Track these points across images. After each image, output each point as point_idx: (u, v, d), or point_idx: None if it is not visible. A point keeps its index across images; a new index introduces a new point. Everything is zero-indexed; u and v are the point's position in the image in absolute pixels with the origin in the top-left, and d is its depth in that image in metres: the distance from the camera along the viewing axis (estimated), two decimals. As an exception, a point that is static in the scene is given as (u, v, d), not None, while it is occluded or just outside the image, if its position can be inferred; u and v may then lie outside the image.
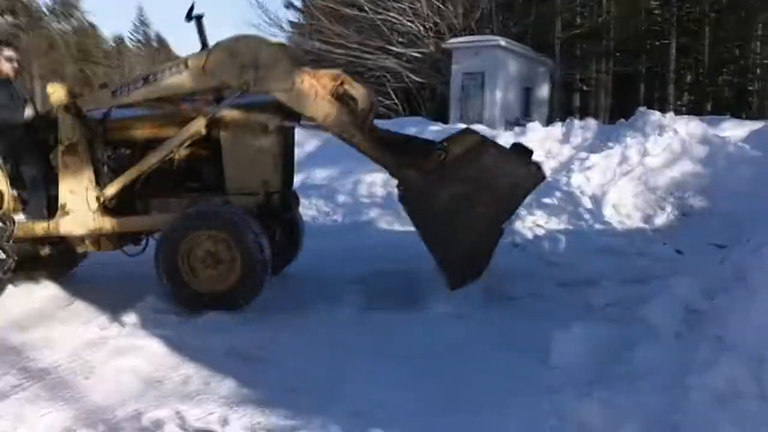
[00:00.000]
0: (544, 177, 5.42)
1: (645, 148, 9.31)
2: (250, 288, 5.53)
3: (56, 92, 5.81)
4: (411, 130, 16.93)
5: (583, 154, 9.65)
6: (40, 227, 5.93)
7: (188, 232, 5.57)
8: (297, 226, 6.83)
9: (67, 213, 5.88)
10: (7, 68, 6.19)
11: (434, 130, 13.39)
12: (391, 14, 23.34)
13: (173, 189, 6.14)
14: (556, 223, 8.36)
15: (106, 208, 5.92)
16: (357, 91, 5.48)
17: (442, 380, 4.03)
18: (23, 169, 6.03)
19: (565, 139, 10.64)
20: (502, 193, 5.15)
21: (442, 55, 22.68)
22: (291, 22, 34.25)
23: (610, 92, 29.58)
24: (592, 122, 11.03)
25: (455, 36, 22.39)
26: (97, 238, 6.06)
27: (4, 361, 4.59)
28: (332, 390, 3.96)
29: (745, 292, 3.58)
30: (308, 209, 10.35)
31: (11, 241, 5.65)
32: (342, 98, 5.42)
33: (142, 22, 74.36)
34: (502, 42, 19.86)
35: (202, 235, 5.56)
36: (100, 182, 5.94)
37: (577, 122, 11.09)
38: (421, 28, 23.75)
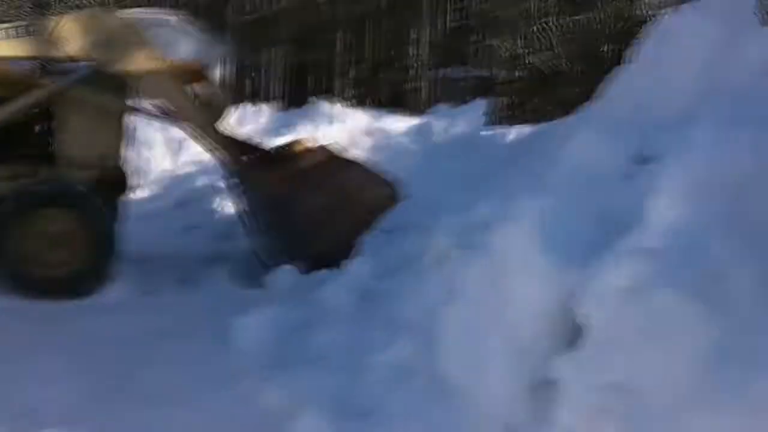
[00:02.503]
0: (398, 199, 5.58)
1: (316, 137, 9.56)
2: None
3: None
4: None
5: (256, 140, 9.65)
6: None
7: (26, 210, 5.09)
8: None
9: None
10: None
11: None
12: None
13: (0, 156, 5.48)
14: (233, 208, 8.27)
15: None
16: (212, 87, 5.66)
17: (110, 373, 3.74)
18: None
19: (239, 123, 10.56)
20: (358, 209, 5.35)
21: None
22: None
23: (283, 80, 30.19)
24: (265, 108, 11.09)
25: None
26: None
27: None
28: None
29: (414, 275, 3.80)
30: None
31: None
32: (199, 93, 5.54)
33: None
34: (173, 20, 19.21)
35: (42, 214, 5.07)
36: None
37: (250, 107, 11.09)
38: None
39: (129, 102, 5.79)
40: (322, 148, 5.87)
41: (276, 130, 10.00)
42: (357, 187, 5.57)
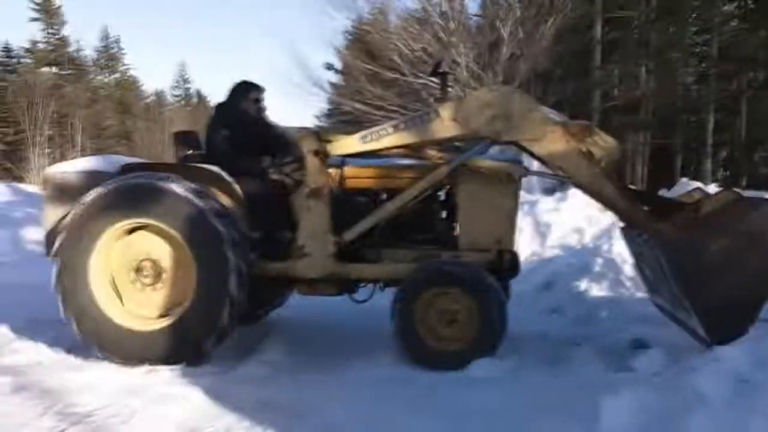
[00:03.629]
0: None
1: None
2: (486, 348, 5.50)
3: (307, 138, 5.90)
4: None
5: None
6: (274, 268, 5.98)
7: (430, 287, 5.60)
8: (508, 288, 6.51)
9: (304, 255, 5.91)
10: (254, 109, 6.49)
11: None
12: (431, 79, 23.68)
13: (403, 240, 6.16)
14: (597, 290, 8.26)
15: (342, 253, 5.95)
16: (606, 142, 5.61)
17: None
18: (261, 212, 6.06)
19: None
20: None
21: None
22: (331, 83, 34.94)
23: (646, 163, 29.54)
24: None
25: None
26: (331, 283, 6.08)
27: (41, 402, 4.59)
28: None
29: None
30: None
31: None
32: (590, 151, 5.54)
33: (184, 80, 76.35)
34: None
35: (444, 292, 5.57)
36: (338, 228, 5.97)
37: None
38: (462, 93, 24.03)
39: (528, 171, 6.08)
40: (728, 192, 5.43)
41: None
42: (762, 226, 5.08)
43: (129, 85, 67.54)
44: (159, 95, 73.47)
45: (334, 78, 36.79)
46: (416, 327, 5.55)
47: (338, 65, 35.03)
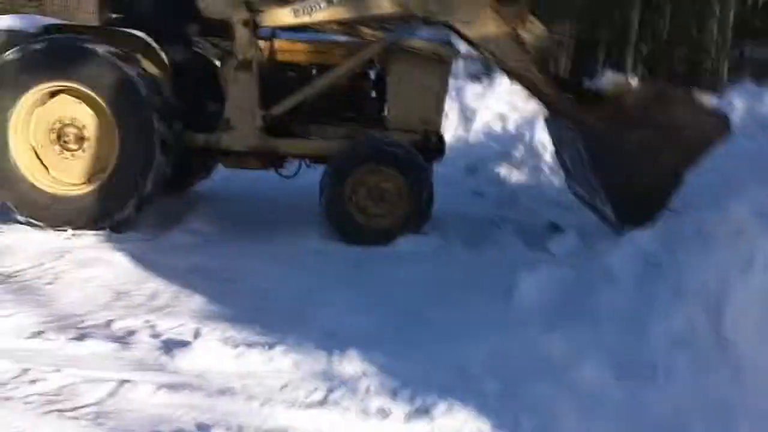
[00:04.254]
0: (729, 130, 5.37)
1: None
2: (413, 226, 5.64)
3: (237, 6, 5.68)
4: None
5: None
6: (200, 139, 5.86)
7: (362, 164, 5.63)
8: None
9: (231, 128, 5.80)
10: None
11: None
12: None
13: (332, 116, 6.14)
14: (517, 175, 8.50)
15: (269, 127, 5.86)
16: (537, 29, 5.63)
17: (407, 310, 4.14)
18: (187, 81, 5.95)
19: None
20: (686, 143, 5.18)
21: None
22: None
23: (570, 55, 29.74)
24: (560, 81, 11.07)
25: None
26: (258, 156, 6.03)
27: (-38, 263, 4.54)
28: (301, 312, 4.05)
29: (703, 245, 3.74)
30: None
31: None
32: (521, 36, 5.52)
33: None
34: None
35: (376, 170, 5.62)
36: (266, 101, 5.86)
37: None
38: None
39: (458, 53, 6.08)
40: (651, 85, 5.67)
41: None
42: (682, 121, 5.27)
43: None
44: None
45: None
46: (345, 202, 5.64)
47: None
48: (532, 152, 8.83)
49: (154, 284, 4.39)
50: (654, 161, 5.22)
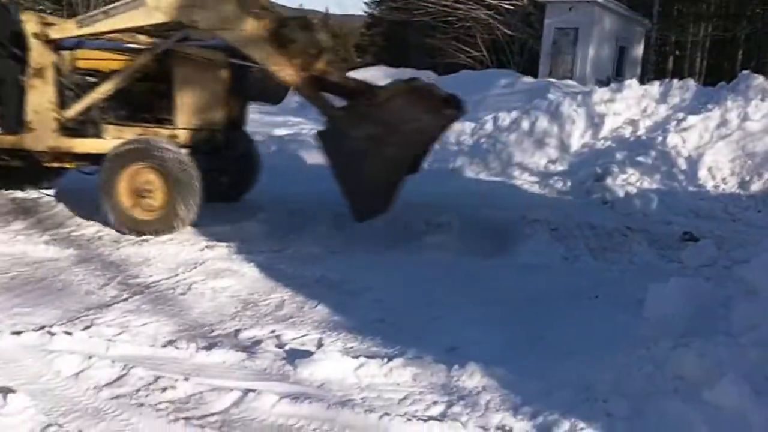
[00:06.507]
0: (454, 119, 5.87)
1: (746, 113, 8.96)
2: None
3: (29, 20, 6.16)
4: (501, 82, 16.93)
5: (681, 115, 9.36)
6: (8, 140, 6.33)
7: (128, 163, 5.99)
8: (250, 162, 7.46)
9: (31, 129, 6.25)
10: None
11: (527, 83, 13.19)
12: (486, -36, 22.95)
13: (127, 118, 6.58)
14: (648, 183, 8.17)
15: (65, 128, 6.30)
16: (300, 35, 5.79)
17: (532, 326, 4.04)
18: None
19: (662, 99, 10.31)
20: (409, 137, 5.59)
21: (534, 8, 22.27)
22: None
23: (705, 56, 28.50)
24: (691, 83, 10.64)
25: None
26: (57, 155, 6.43)
27: (104, 274, 4.83)
28: (423, 325, 4.04)
29: None
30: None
31: None
32: (283, 41, 5.75)
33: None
34: (599, -2, 19.45)
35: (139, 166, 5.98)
36: (62, 105, 6.30)
37: (675, 82, 10.72)
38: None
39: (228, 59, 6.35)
40: (405, 81, 5.71)
41: (702, 105, 9.59)
42: (411, 114, 5.52)
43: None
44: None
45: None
46: (118, 196, 5.91)
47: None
48: (665, 158, 8.48)
49: (281, 294, 4.50)
50: (378, 156, 5.45)
